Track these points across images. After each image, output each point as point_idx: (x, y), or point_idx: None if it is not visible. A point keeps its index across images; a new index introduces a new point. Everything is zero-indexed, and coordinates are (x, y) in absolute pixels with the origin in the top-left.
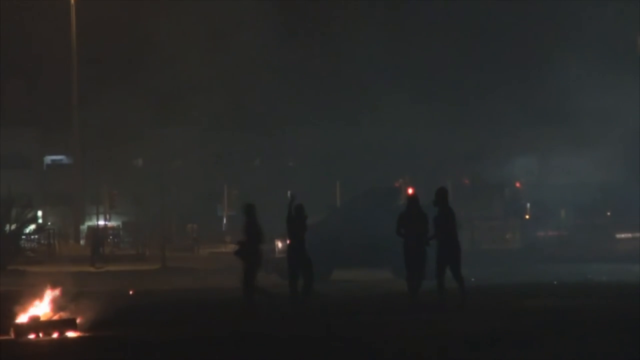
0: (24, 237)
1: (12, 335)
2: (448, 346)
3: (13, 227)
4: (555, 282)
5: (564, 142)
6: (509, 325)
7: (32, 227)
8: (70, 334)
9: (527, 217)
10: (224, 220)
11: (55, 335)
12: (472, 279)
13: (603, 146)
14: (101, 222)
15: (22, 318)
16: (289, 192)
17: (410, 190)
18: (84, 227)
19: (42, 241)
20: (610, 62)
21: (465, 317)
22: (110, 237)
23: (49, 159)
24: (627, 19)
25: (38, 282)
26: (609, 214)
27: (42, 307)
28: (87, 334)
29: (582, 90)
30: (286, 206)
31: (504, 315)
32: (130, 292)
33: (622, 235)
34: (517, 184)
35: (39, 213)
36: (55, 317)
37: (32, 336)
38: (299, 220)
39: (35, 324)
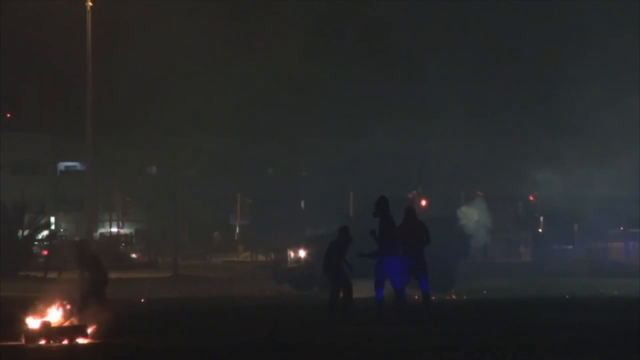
0: (36, 243)
1: (23, 341)
2: None
3: (26, 233)
4: (567, 296)
5: (582, 154)
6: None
7: (45, 233)
8: (81, 340)
9: (540, 230)
10: (237, 229)
11: (65, 341)
12: (484, 292)
13: (624, 159)
14: (114, 229)
15: (33, 324)
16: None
17: (423, 202)
18: (96, 234)
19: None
20: (632, 75)
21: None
22: (123, 244)
23: (62, 165)
24: None
25: (50, 288)
26: (622, 228)
27: (53, 314)
28: (97, 341)
29: (603, 101)
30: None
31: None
32: (142, 300)
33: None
34: (531, 197)
35: (52, 219)
36: (66, 324)
37: (42, 342)
38: (342, 242)
39: (46, 330)
